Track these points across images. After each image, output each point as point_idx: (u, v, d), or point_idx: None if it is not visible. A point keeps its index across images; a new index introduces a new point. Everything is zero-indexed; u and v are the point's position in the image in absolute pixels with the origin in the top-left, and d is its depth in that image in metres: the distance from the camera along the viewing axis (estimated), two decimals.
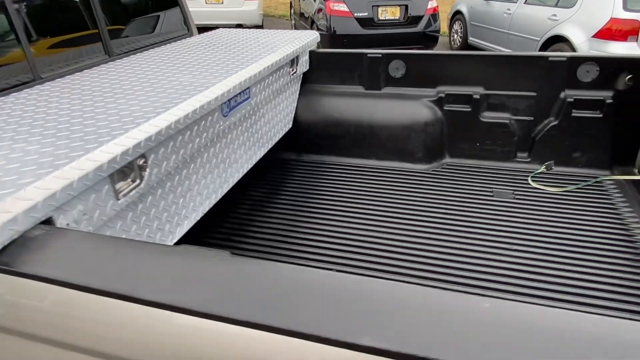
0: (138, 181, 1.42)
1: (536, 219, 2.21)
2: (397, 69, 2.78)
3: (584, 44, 5.87)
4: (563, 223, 2.19)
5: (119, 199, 1.33)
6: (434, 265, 1.92)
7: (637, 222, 2.14)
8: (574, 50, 5.90)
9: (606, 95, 2.56)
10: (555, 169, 2.68)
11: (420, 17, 7.46)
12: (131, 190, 1.39)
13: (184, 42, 2.67)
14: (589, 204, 2.34)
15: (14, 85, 1.81)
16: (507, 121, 2.76)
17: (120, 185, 1.35)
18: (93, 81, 1.90)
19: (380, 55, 2.77)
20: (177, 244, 1.72)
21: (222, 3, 9.41)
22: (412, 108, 2.74)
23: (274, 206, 2.42)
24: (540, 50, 6.60)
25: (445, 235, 2.10)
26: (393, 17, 7.36)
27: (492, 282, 1.82)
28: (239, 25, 9.69)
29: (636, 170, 2.58)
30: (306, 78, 2.92)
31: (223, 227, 2.29)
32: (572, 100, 2.63)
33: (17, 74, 1.83)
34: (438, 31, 7.69)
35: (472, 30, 8.50)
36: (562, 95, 2.65)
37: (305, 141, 2.93)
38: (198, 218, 1.84)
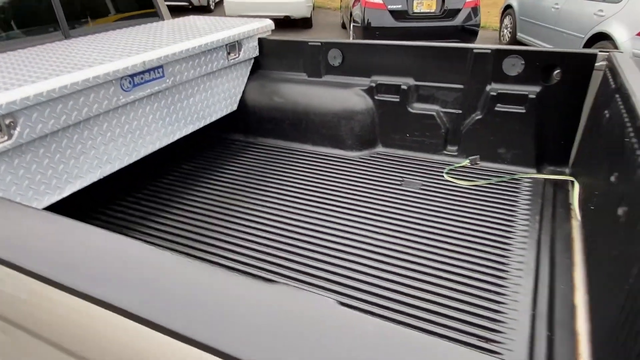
0: (6, 137, 1.67)
1: (440, 211, 2.16)
2: (334, 58, 2.81)
3: (627, 43, 5.34)
4: (460, 216, 2.12)
5: None
6: (337, 250, 1.95)
7: (526, 223, 2.04)
8: (617, 49, 5.40)
9: (531, 90, 2.40)
10: (482, 164, 2.56)
11: (457, 10, 7.19)
12: None
13: (140, 27, 2.91)
14: (490, 200, 2.25)
15: None
16: (435, 113, 2.68)
17: None
18: (15, 55, 2.19)
19: (319, 44, 2.81)
20: (62, 203, 1.95)
21: None
22: (344, 96, 2.76)
23: (201, 180, 2.59)
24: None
25: (353, 222, 2.11)
26: (428, 10, 7.17)
27: (384, 264, 1.85)
28: (287, 17, 9.95)
29: (567, 171, 2.40)
30: (258, 63, 3.04)
31: (139, 194, 2.49)
32: (496, 94, 2.50)
33: None
34: (478, 25, 7.36)
35: (520, 25, 8.01)
36: (488, 88, 2.51)
37: (251, 123, 3.05)
38: (89, 182, 2.04)
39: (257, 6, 9.78)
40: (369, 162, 2.71)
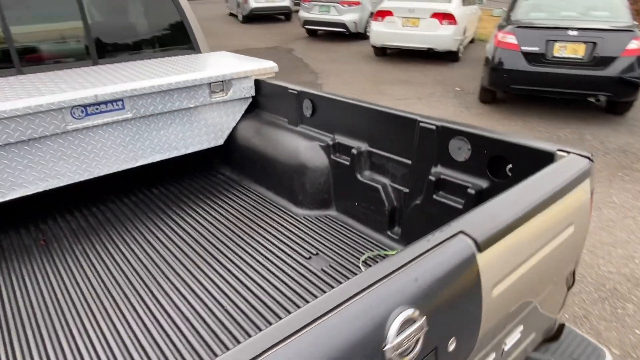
0: None
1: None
2: (307, 108, 2.63)
3: None
4: None
5: None
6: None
7: None
8: None
9: (475, 183, 1.83)
10: None
11: (612, 59, 5.89)
12: None
13: (168, 59, 3.22)
14: None
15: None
16: (380, 187, 2.25)
17: None
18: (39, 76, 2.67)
19: (296, 92, 2.67)
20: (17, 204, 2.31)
21: (418, 27, 9.50)
22: (302, 149, 2.55)
23: (155, 208, 2.74)
24: None
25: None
26: (574, 56, 6.05)
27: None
28: (430, 50, 9.61)
29: None
30: (257, 102, 3.06)
31: (93, 208, 2.75)
32: (434, 179, 1.98)
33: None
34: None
35: None
36: (432, 170, 2.02)
37: (235, 160, 3.08)
38: (35, 191, 2.34)
39: (401, 37, 9.69)
40: (310, 224, 2.48)
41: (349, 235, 2.37)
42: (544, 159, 1.62)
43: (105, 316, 1.87)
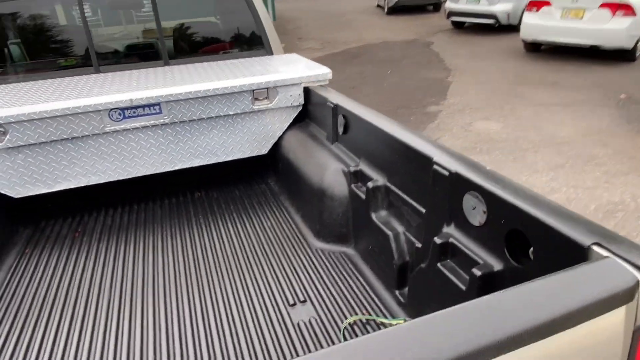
0: None
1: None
2: (340, 125, 2.25)
3: None
4: None
5: None
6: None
7: None
8: None
9: (485, 261, 1.27)
10: None
11: None
12: None
13: (235, 61, 3.14)
14: None
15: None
16: (391, 234, 1.77)
17: None
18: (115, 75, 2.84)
19: (332, 105, 2.30)
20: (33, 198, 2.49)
21: (582, 19, 7.93)
22: (325, 172, 2.19)
23: (182, 217, 2.71)
24: None
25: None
26: None
27: None
28: (594, 47, 7.98)
29: None
30: (307, 112, 2.79)
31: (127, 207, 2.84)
32: (441, 242, 1.44)
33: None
34: None
35: None
36: (443, 230, 1.48)
37: (277, 172, 2.85)
38: (77, 185, 2.47)
39: (558, 31, 8.22)
40: (318, 261, 2.15)
41: (352, 285, 1.98)
42: (573, 252, 1.05)
43: (115, 313, 1.90)
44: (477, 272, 1.30)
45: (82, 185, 2.54)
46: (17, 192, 2.43)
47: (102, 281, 2.13)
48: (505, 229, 1.28)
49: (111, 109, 2.40)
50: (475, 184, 1.36)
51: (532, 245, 1.19)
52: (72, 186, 2.52)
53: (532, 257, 1.20)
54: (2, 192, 2.41)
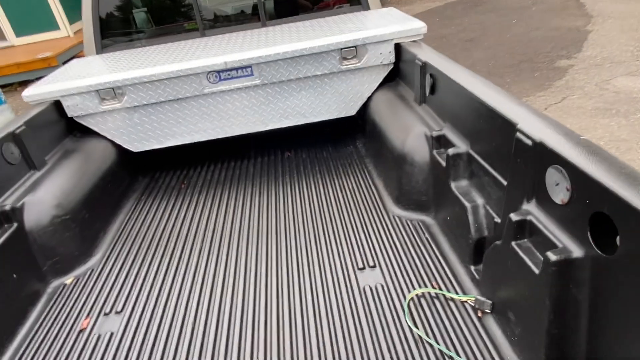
0: (117, 102, 2.63)
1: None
2: (428, 85, 2.07)
3: None
4: None
5: (102, 105, 2.62)
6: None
7: None
8: None
9: (565, 245, 1.11)
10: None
11: None
12: (111, 104, 2.62)
13: (331, 19, 3.06)
14: None
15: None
16: (469, 206, 1.59)
17: (105, 98, 2.62)
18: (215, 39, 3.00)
19: (421, 63, 2.12)
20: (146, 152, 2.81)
21: None
22: (407, 136, 2.06)
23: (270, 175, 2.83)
24: None
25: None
26: None
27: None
28: None
29: None
30: (399, 71, 2.63)
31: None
32: (515, 222, 1.25)
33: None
34: None
35: None
36: (523, 206, 1.29)
37: (363, 133, 2.76)
38: (183, 142, 2.73)
39: None
40: (394, 228, 2.08)
41: (425, 255, 1.89)
42: None
43: (206, 255, 2.14)
44: (553, 257, 1.15)
45: (187, 142, 2.79)
46: (135, 147, 2.77)
47: (196, 229, 2.38)
48: (590, 210, 1.10)
49: (208, 72, 2.56)
50: (561, 157, 1.18)
51: (619, 232, 1.01)
52: (179, 143, 2.78)
53: (618, 245, 1.02)
54: (125, 146, 2.76)
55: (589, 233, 1.11)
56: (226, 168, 3.02)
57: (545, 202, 1.27)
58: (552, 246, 1.22)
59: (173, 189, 2.86)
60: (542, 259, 1.23)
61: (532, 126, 1.34)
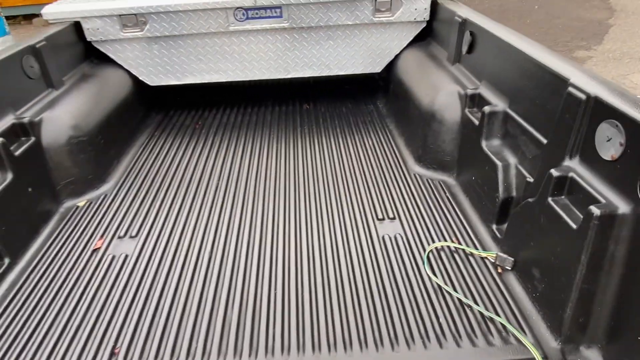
0: (138, 30, 2.53)
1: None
2: (465, 43, 2.01)
3: None
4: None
5: (123, 32, 2.53)
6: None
7: None
8: None
9: (609, 200, 1.10)
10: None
11: None
12: (132, 32, 2.53)
13: None
14: None
15: None
16: (500, 165, 1.58)
17: (127, 25, 2.52)
18: None
19: (460, 20, 2.06)
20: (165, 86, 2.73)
21: None
22: (437, 94, 2.02)
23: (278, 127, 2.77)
24: None
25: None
26: None
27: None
28: None
29: None
30: (431, 30, 2.57)
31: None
32: (559, 175, 1.24)
33: None
34: None
35: None
36: (564, 162, 1.27)
37: (387, 92, 2.71)
38: (201, 81, 2.65)
39: None
40: (414, 185, 2.06)
41: (445, 212, 1.87)
42: None
43: (219, 196, 2.09)
44: (596, 211, 1.13)
45: (206, 81, 2.71)
46: (152, 80, 2.69)
47: (212, 168, 2.33)
48: None
49: (236, 8, 2.47)
50: (617, 111, 1.15)
51: None
52: (197, 81, 2.71)
53: None
54: (141, 78, 2.68)
55: (639, 190, 1.09)
56: (242, 113, 2.96)
57: (592, 158, 1.25)
58: (594, 202, 1.20)
59: (188, 128, 2.80)
60: (581, 214, 1.22)
61: (584, 81, 1.31)
